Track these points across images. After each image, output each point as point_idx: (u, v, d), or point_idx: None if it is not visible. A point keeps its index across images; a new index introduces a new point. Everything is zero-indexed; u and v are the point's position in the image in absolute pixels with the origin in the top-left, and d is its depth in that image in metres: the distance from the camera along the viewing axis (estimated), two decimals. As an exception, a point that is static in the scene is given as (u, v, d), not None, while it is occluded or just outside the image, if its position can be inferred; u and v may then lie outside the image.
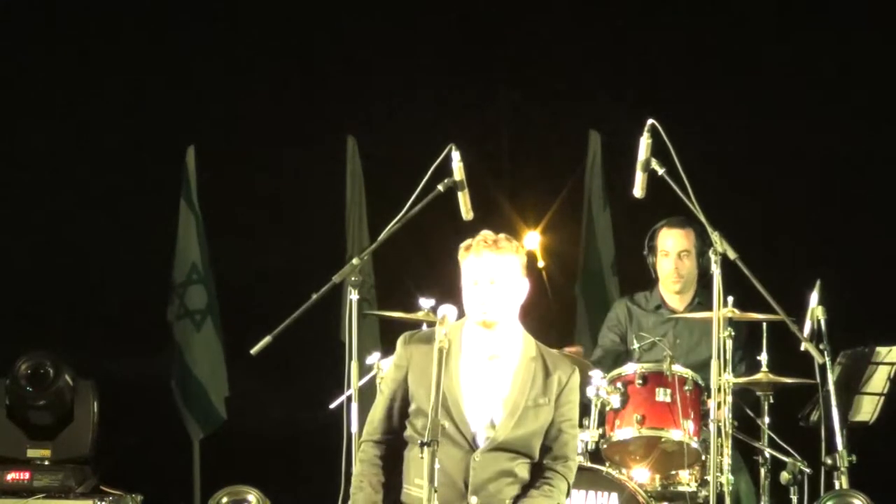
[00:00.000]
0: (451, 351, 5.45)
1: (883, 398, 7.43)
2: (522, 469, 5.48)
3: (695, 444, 6.90)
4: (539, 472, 5.51)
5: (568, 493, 5.56)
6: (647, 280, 7.69)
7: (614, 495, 6.64)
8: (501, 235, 5.49)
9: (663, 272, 7.53)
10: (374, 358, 6.67)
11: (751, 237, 7.26)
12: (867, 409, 7.45)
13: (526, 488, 5.48)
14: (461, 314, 5.50)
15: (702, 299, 7.52)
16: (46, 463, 7.48)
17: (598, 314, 8.24)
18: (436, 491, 5.05)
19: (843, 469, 7.00)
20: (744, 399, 7.24)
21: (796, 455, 7.03)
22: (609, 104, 8.54)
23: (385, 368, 6.45)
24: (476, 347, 5.48)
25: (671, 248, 7.49)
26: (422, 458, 5.08)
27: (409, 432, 5.49)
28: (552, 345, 6.30)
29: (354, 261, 6.59)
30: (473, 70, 8.72)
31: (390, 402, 5.52)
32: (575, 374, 5.57)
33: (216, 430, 8.53)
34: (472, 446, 5.42)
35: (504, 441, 5.43)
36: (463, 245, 5.49)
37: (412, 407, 5.48)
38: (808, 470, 7.02)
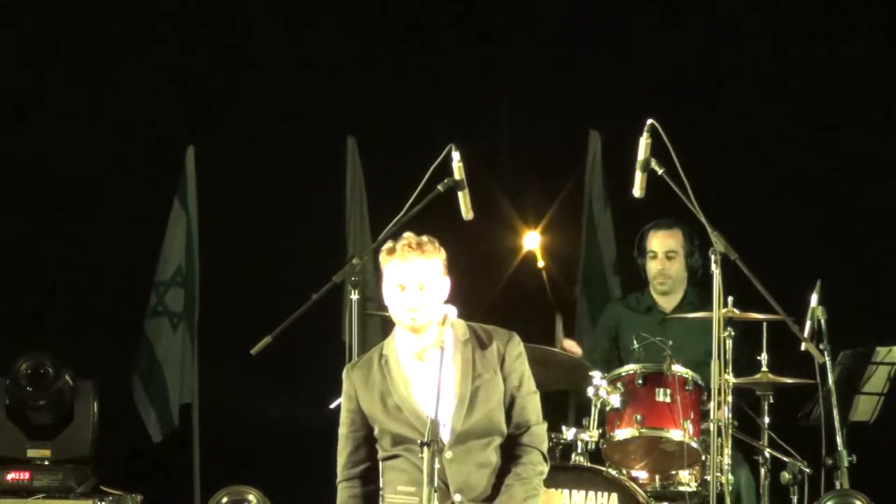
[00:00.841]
0: (391, 360, 5.48)
1: (883, 398, 7.44)
2: (497, 454, 5.45)
3: (695, 444, 6.90)
4: (508, 451, 5.46)
5: (546, 460, 5.51)
6: (646, 282, 7.72)
7: (614, 495, 6.64)
8: (424, 238, 5.47)
9: (651, 273, 7.61)
10: (374, 358, 6.66)
11: (751, 237, 7.26)
12: (867, 408, 7.46)
13: (502, 474, 5.44)
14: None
15: (693, 299, 7.56)
16: (46, 463, 7.47)
17: (598, 314, 8.25)
18: (436, 491, 5.05)
19: (843, 469, 7.01)
20: (742, 398, 7.26)
21: (796, 455, 7.04)
22: (609, 104, 8.54)
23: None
24: (411, 349, 5.48)
25: (658, 249, 7.56)
26: (421, 457, 5.09)
27: (381, 454, 5.49)
28: (552, 345, 6.32)
29: (354, 261, 6.59)
30: (473, 70, 8.72)
31: (353, 434, 5.53)
32: (513, 340, 5.52)
33: (167, 434, 8.49)
34: (439, 444, 5.38)
35: (465, 430, 5.40)
36: (385, 248, 5.47)
37: (376, 431, 5.48)
38: (808, 470, 7.02)
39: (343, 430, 5.57)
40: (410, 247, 5.42)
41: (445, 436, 5.41)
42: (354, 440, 5.54)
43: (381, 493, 5.52)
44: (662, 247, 7.57)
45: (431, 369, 5.43)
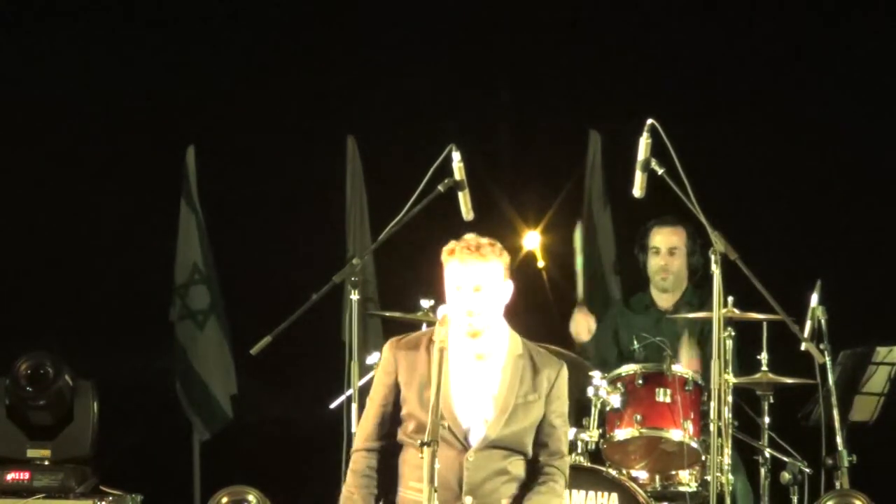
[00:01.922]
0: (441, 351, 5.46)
1: (883, 398, 7.44)
2: (516, 466, 5.48)
3: (695, 444, 6.91)
4: (538, 470, 5.51)
5: (565, 488, 5.56)
6: (646, 280, 7.72)
7: (614, 495, 6.65)
8: (485, 240, 5.46)
9: (652, 268, 7.63)
10: (374, 358, 6.66)
11: (751, 237, 7.26)
12: (867, 408, 7.46)
13: (524, 486, 5.48)
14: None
15: (691, 299, 7.57)
16: (46, 463, 7.47)
17: (598, 314, 8.24)
18: (436, 491, 5.05)
19: (843, 469, 7.01)
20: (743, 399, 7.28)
21: (796, 455, 7.05)
22: (609, 104, 8.54)
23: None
24: (463, 348, 5.47)
25: (661, 245, 7.58)
26: (421, 457, 5.08)
27: (401, 437, 5.48)
28: (552, 345, 6.30)
29: (354, 261, 6.61)
30: (473, 70, 8.72)
31: (382, 408, 5.50)
32: (563, 369, 5.57)
33: (222, 429, 8.50)
34: (465, 446, 5.41)
35: (496, 439, 5.42)
36: (446, 249, 5.47)
37: (403, 411, 5.46)
38: (808, 470, 7.03)
39: (374, 405, 5.51)
40: (469, 249, 5.41)
41: (475, 439, 5.43)
42: (382, 414, 5.50)
43: (397, 483, 5.51)
44: (665, 243, 7.59)
45: (483, 373, 5.45)
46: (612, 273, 8.75)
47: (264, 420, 8.57)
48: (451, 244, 5.47)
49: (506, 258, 5.48)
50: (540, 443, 5.51)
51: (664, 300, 7.64)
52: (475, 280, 5.40)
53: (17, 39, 8.66)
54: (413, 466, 5.41)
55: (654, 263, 7.63)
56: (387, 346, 5.56)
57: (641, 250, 7.69)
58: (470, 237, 5.47)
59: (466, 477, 5.39)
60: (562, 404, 5.55)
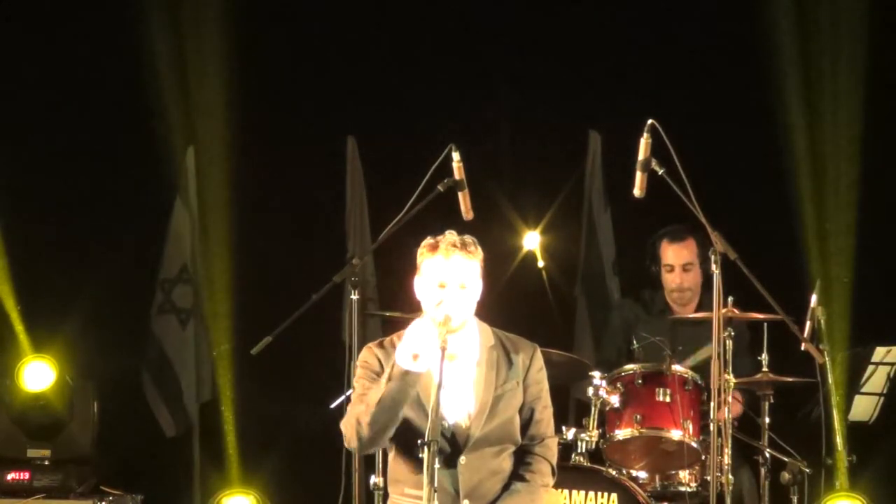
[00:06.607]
0: None
1: (882, 398, 7.45)
2: (509, 462, 5.45)
3: (695, 444, 6.91)
4: (519, 458, 5.47)
5: (553, 473, 5.52)
6: (647, 280, 7.70)
7: (614, 495, 6.65)
8: (467, 238, 5.43)
9: (668, 285, 7.56)
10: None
11: (751, 237, 7.26)
12: (867, 408, 7.46)
13: (510, 479, 5.43)
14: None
15: (708, 307, 7.51)
16: (46, 463, 7.48)
17: (598, 314, 8.24)
18: (436, 491, 5.03)
19: (843, 469, 7.01)
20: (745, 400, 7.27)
21: (796, 455, 7.04)
22: (609, 104, 8.54)
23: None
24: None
25: (675, 262, 7.50)
26: (421, 457, 5.06)
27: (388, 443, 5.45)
28: (552, 345, 6.30)
29: (355, 261, 6.61)
30: (473, 70, 8.72)
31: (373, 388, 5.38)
32: (536, 352, 5.53)
33: (185, 431, 8.48)
34: (455, 449, 5.39)
35: (483, 435, 5.39)
36: (426, 244, 5.43)
37: None
38: (808, 470, 7.03)
39: (361, 391, 5.38)
40: (454, 245, 5.38)
41: (462, 440, 5.40)
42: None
43: (387, 489, 5.50)
44: (679, 259, 7.51)
45: (459, 371, 5.42)
46: (612, 273, 8.75)
47: (264, 420, 8.57)
48: (431, 240, 5.43)
49: (482, 256, 5.46)
50: (521, 427, 5.48)
51: (682, 311, 7.58)
52: (460, 276, 5.38)
53: (15, 37, 8.66)
54: (408, 472, 5.40)
55: (669, 280, 7.56)
56: (366, 350, 5.51)
57: (653, 262, 7.61)
58: (451, 233, 5.43)
59: (462, 481, 5.36)
60: (539, 388, 5.50)
